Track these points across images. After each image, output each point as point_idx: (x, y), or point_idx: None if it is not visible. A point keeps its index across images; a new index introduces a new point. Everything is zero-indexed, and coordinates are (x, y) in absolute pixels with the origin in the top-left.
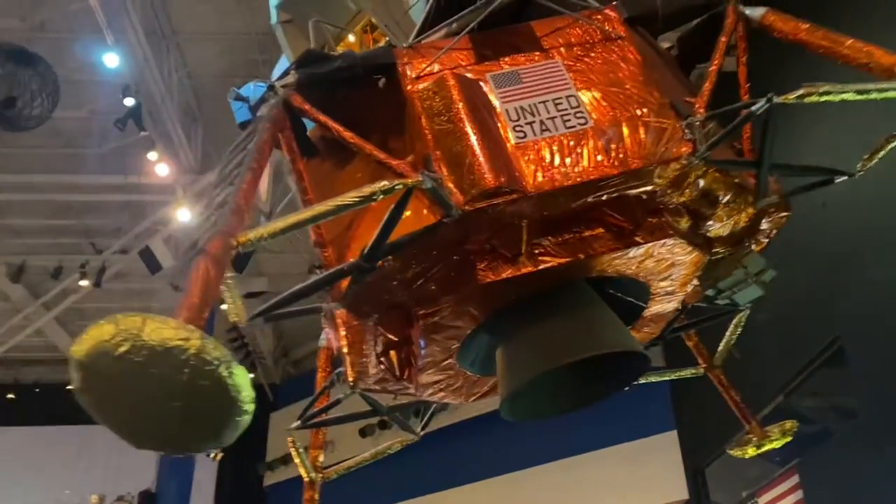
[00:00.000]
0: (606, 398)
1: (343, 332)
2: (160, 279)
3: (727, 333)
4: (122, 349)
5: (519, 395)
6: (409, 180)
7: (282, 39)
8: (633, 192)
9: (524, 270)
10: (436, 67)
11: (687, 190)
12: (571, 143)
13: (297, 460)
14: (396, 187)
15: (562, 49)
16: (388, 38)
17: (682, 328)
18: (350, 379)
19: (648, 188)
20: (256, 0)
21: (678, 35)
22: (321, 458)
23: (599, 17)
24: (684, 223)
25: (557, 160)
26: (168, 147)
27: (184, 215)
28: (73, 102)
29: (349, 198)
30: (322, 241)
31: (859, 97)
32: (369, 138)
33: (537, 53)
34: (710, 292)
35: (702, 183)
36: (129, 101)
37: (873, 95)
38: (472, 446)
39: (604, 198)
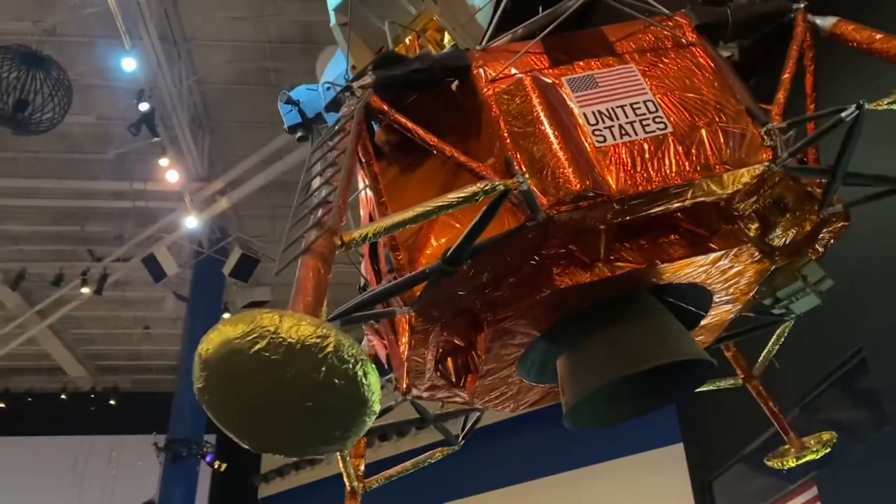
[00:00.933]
0: (668, 405)
1: (405, 338)
2: (162, 287)
3: (769, 344)
4: (258, 346)
5: (578, 404)
6: (510, 181)
7: (340, 42)
8: (711, 198)
9: (602, 275)
10: (512, 70)
11: (761, 197)
12: (652, 147)
13: (341, 467)
14: (498, 187)
15: (635, 54)
16: (452, 42)
17: (729, 337)
18: (404, 386)
19: (727, 194)
20: (270, 8)
21: (740, 44)
22: (362, 468)
23: (670, 23)
24: (754, 230)
25: (639, 165)
26: (176, 154)
27: (191, 223)
28: (79, 107)
29: (451, 198)
30: (395, 244)
31: None
32: (442, 141)
33: (611, 58)
34: (767, 301)
35: (776, 190)
36: (144, 106)
37: None
38: (474, 458)
39: (687, 203)
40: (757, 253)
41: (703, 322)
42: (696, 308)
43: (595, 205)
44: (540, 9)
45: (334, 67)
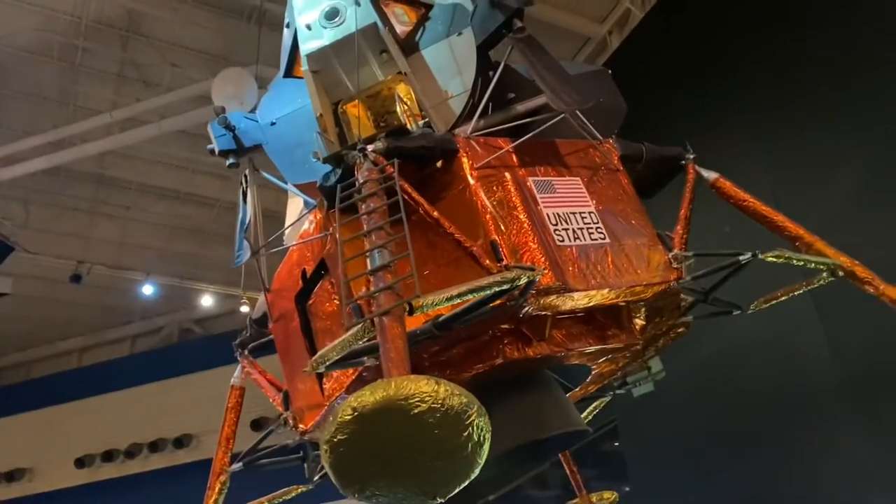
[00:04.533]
0: (541, 466)
1: (335, 384)
2: None
3: (584, 413)
4: (419, 409)
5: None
6: (532, 274)
7: (310, 87)
8: (626, 301)
9: (543, 352)
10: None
11: (653, 304)
12: (595, 254)
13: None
14: (524, 278)
15: (579, 169)
16: (425, 120)
17: None
18: (308, 426)
19: (639, 301)
20: None
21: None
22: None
23: (604, 147)
24: (639, 328)
25: (587, 267)
26: None
27: None
28: None
29: (489, 282)
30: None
31: (802, 264)
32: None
33: (563, 168)
34: (616, 383)
35: (665, 300)
36: None
37: (811, 265)
38: None
39: (612, 303)
40: (637, 346)
41: (568, 394)
42: (566, 382)
43: (560, 296)
44: (490, 107)
45: (275, 103)
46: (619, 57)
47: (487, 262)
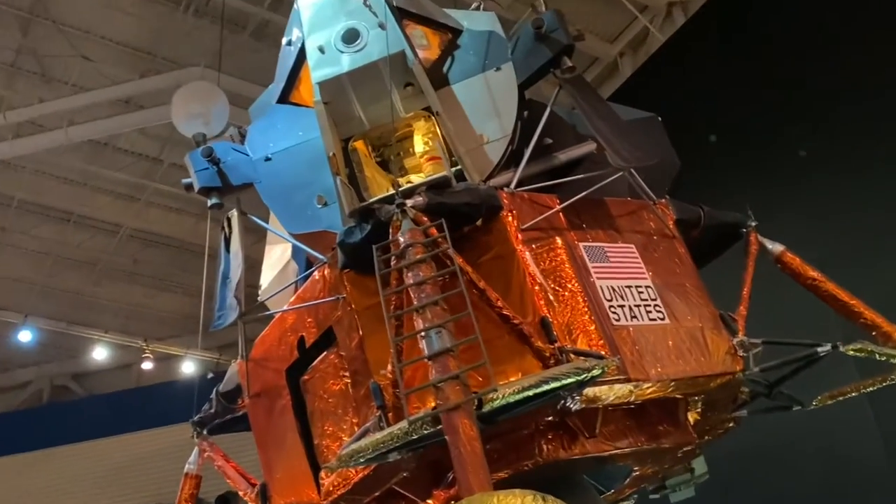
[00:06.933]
0: None
1: (339, 481)
2: None
3: None
4: None
5: None
6: (605, 363)
7: (321, 120)
8: (683, 394)
9: (590, 451)
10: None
11: (710, 396)
12: (655, 337)
13: None
14: (595, 370)
15: (633, 234)
16: (458, 167)
17: None
18: None
19: (699, 393)
20: None
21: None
22: None
23: (660, 209)
24: (693, 423)
25: (646, 352)
26: None
27: None
28: None
29: (563, 372)
30: (395, 381)
31: (885, 359)
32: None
33: (614, 233)
34: (649, 486)
35: (724, 392)
36: None
37: (884, 358)
38: None
39: (668, 396)
40: (691, 447)
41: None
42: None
43: (616, 384)
44: (526, 155)
45: (269, 133)
46: (630, 85)
47: (539, 343)
